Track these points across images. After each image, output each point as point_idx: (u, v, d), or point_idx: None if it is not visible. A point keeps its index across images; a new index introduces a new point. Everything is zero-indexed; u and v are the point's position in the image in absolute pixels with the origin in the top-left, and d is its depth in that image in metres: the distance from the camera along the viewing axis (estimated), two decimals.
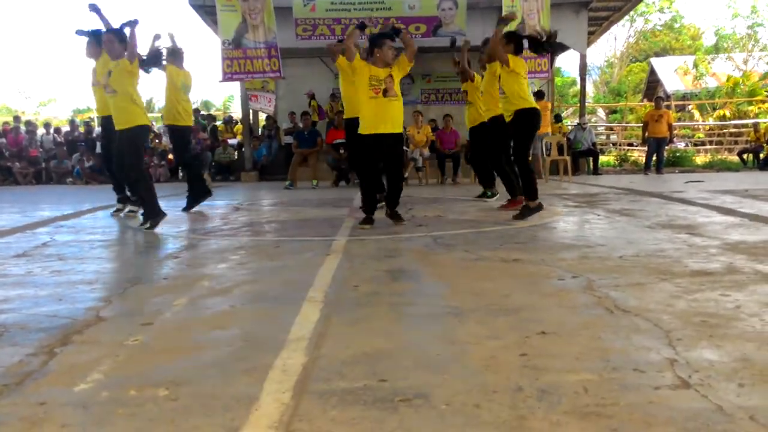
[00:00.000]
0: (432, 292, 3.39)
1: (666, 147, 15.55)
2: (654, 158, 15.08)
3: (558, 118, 17.26)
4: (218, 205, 8.96)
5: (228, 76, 13.49)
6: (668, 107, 27.76)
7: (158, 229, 6.22)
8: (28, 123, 18.94)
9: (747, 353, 2.21)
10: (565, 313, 2.82)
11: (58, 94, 71.60)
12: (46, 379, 2.14)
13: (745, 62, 30.43)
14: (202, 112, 20.36)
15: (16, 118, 19.48)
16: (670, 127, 15.13)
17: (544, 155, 13.51)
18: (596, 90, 37.51)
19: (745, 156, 17.67)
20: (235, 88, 14.90)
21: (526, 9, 13.23)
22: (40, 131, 18.34)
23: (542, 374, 2.06)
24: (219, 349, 2.44)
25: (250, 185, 14.12)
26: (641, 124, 16.77)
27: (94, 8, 6.81)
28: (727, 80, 27.08)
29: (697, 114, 27.11)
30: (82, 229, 6.46)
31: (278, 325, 2.71)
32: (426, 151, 13.55)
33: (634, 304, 2.91)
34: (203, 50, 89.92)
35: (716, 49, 31.96)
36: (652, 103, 16.97)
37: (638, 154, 18.24)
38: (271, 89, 16.18)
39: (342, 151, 13.14)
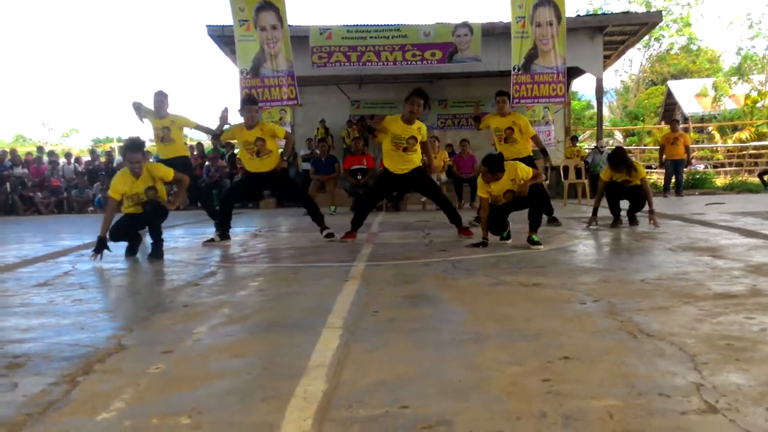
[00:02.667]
0: (452, 317, 3.37)
1: (684, 169, 15.45)
2: (673, 180, 14.98)
3: (574, 140, 17.22)
4: (237, 231, 9.00)
5: None
6: (686, 130, 27.74)
7: (177, 257, 6.25)
8: (50, 153, 19.21)
9: None
10: (587, 338, 2.79)
11: (80, 125, 72.82)
12: (68, 408, 2.14)
13: (762, 84, 30.27)
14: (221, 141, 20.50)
15: (40, 149, 19.79)
16: (687, 149, 15.05)
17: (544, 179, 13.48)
18: (612, 114, 37.48)
19: (765, 177, 17.50)
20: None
21: (538, 34, 13.27)
22: (62, 161, 18.58)
23: (566, 400, 2.04)
24: (239, 376, 2.44)
25: (268, 212, 14.18)
26: (658, 147, 16.68)
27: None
28: (746, 99, 26.91)
29: (717, 135, 26.93)
30: (104, 258, 6.51)
31: (298, 353, 2.70)
32: (443, 176, 13.56)
33: (657, 328, 2.87)
34: (220, 79, 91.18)
35: (739, 70, 31.82)
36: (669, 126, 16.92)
37: (657, 177, 18.13)
38: (287, 121, 16.30)
39: (359, 177, 13.20)
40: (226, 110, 7.77)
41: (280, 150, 7.81)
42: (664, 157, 14.91)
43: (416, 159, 7.14)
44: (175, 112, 8.43)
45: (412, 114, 7.00)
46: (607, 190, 7.75)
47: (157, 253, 6.20)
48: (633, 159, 7.97)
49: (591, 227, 7.64)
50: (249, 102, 7.42)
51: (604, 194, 7.74)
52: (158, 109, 8.31)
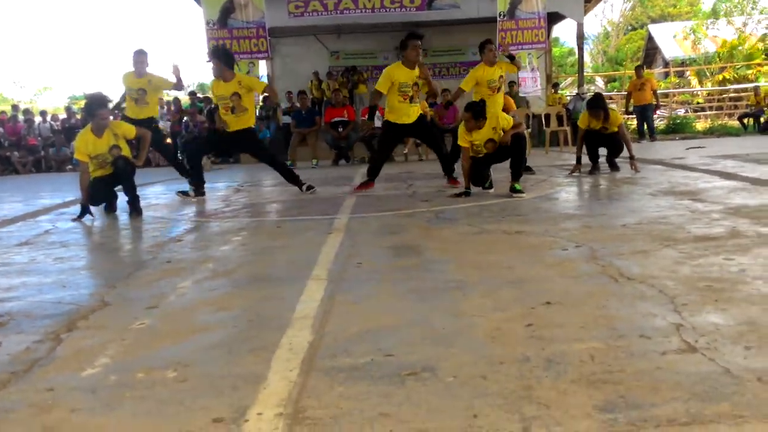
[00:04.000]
0: (435, 266, 3.39)
1: (656, 114, 15.49)
2: (646, 126, 15.02)
3: (556, 87, 17.16)
4: (219, 186, 8.95)
5: None
6: (667, 74, 27.68)
7: (158, 213, 6.22)
8: (25, 111, 18.86)
9: (753, 316, 2.21)
10: (569, 283, 2.82)
11: (54, 83, 71.46)
12: (53, 365, 2.14)
13: (745, 25, 30.18)
14: (199, 95, 20.24)
15: (14, 107, 19.40)
16: (655, 94, 15.06)
17: (542, 127, 13.46)
18: (594, 59, 37.28)
19: (745, 120, 17.57)
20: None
21: None
22: (38, 119, 18.27)
23: (548, 344, 2.06)
24: (225, 329, 2.44)
25: (250, 166, 14.08)
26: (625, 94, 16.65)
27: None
28: (723, 45, 26.85)
29: (695, 80, 26.91)
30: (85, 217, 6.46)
31: (283, 305, 2.71)
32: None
33: (638, 272, 2.90)
34: (196, 32, 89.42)
35: (714, 13, 31.67)
36: (651, 71, 16.85)
37: (633, 123, 18.17)
38: (256, 74, 16.03)
39: (341, 130, 13.08)
40: (176, 68, 7.65)
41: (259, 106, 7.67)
42: (631, 102, 14.92)
43: (418, 108, 7.19)
44: (153, 71, 8.23)
45: (417, 57, 6.96)
46: (585, 138, 7.78)
47: (135, 209, 6.14)
48: (612, 106, 7.94)
49: (574, 175, 7.66)
50: (214, 55, 7.18)
51: (584, 142, 7.75)
52: (137, 69, 8.08)
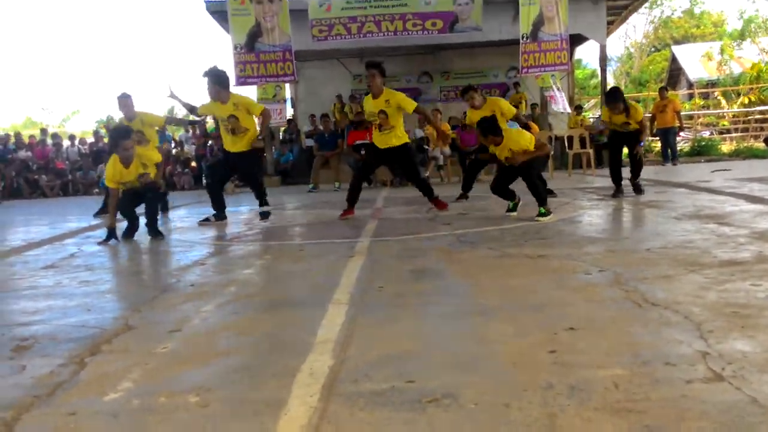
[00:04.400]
0: (457, 290, 3.38)
1: (679, 135, 15.30)
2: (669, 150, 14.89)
3: (579, 109, 17.11)
4: (242, 210, 9.01)
5: (241, 81, 13.49)
6: (691, 95, 27.46)
7: (183, 236, 6.27)
8: (54, 135, 19.17)
9: None
10: (593, 308, 2.79)
11: (82, 106, 72.72)
12: (76, 389, 2.16)
13: None
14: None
15: (43, 131, 19.73)
16: (678, 115, 14.90)
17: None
18: (617, 81, 37.14)
19: None
20: (252, 92, 14.79)
21: (543, 1, 13.11)
22: (66, 143, 18.55)
23: (572, 371, 2.04)
24: (247, 354, 2.45)
25: (272, 190, 14.15)
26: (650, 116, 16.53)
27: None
28: (752, 68, 26.62)
29: (723, 101, 26.68)
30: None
31: (304, 329, 2.71)
32: (447, 149, 13.49)
33: (662, 297, 2.87)
34: (221, 55, 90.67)
35: (742, 33, 31.44)
36: (675, 92, 16.73)
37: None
38: (282, 97, 16.17)
39: (363, 152, 13.12)
40: (169, 90, 7.61)
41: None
42: (655, 125, 14.77)
43: (393, 136, 6.95)
44: (142, 109, 7.99)
45: (371, 87, 7.02)
46: (609, 145, 7.83)
47: (155, 232, 6.19)
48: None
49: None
50: (209, 77, 6.92)
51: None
52: (126, 113, 7.84)
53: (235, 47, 13.24)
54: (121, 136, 6.21)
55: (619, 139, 7.72)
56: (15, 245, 6.25)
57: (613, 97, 7.52)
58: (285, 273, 4.18)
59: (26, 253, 5.70)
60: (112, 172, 6.22)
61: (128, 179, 6.23)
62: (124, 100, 7.86)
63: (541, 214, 5.95)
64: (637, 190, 7.74)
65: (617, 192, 7.67)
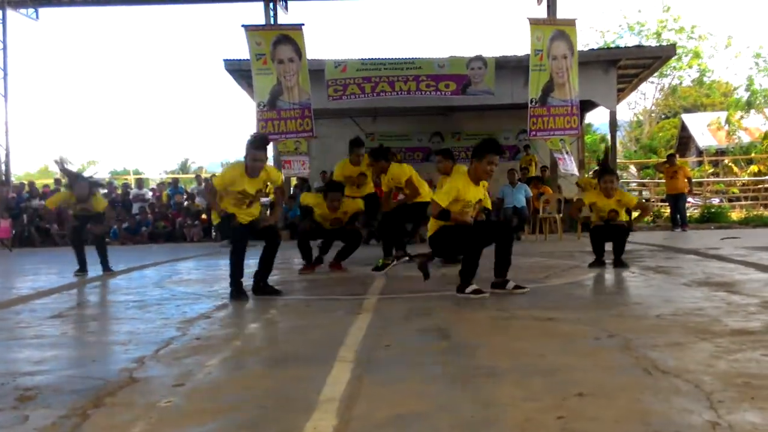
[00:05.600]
0: (465, 351, 3.35)
1: (689, 200, 15.35)
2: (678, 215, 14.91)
3: (596, 173, 17.18)
4: (249, 263, 9.00)
5: None
6: (701, 163, 27.59)
7: (189, 289, 6.27)
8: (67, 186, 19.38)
9: None
10: (602, 374, 2.76)
11: (98, 157, 73.66)
12: None
13: None
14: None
15: (57, 181, 19.95)
16: (689, 181, 14.98)
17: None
18: (626, 147, 37.40)
19: None
20: (268, 149, 14.95)
21: (554, 67, 13.35)
22: None
23: None
24: (251, 410, 2.42)
25: (281, 244, 14.18)
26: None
27: None
28: (764, 137, 26.81)
29: (735, 168, 26.80)
30: (117, 290, 6.55)
31: (309, 386, 2.68)
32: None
33: (673, 365, 2.83)
34: (236, 112, 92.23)
35: (748, 104, 31.76)
36: (685, 159, 16.83)
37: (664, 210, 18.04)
38: (303, 151, 16.39)
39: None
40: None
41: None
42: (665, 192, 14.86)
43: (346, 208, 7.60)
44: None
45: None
46: (592, 231, 7.14)
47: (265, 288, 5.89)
48: (645, 193, 7.72)
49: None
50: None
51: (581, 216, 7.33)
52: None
53: (258, 105, 13.51)
54: (256, 145, 5.64)
55: (604, 234, 6.98)
56: (23, 293, 6.26)
57: (607, 170, 7.06)
58: (291, 328, 4.16)
59: (34, 301, 5.71)
60: (230, 174, 5.74)
61: (247, 189, 5.68)
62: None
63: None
64: (619, 263, 6.93)
65: (597, 262, 7.03)
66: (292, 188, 18.01)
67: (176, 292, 6.13)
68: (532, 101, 13.36)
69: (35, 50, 79.30)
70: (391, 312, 4.61)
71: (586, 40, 33.08)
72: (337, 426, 2.19)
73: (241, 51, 14.95)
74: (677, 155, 18.21)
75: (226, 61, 15.05)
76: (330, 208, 7.49)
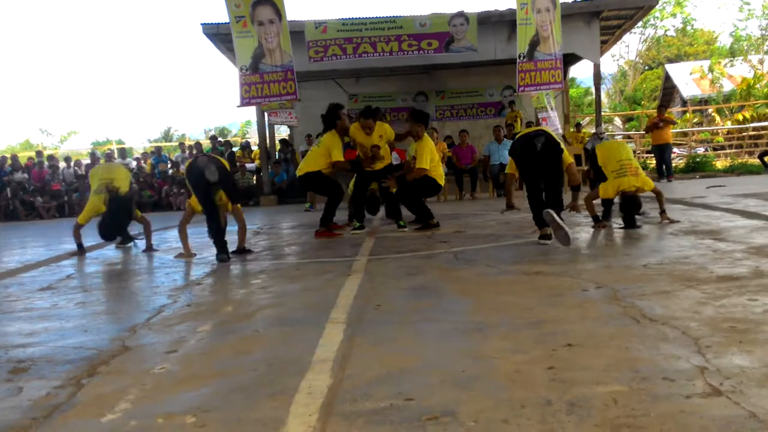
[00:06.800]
0: (455, 308, 3.37)
1: (673, 151, 15.44)
2: (664, 166, 14.97)
3: (579, 127, 17.20)
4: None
5: (246, 101, 13.57)
6: (685, 112, 27.62)
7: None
8: (50, 157, 19.19)
9: None
10: (590, 325, 2.79)
11: (79, 127, 72.87)
12: (73, 411, 2.14)
13: (761, 63, 30.17)
14: (219, 139, 20.52)
15: (38, 153, 19.75)
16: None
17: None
18: (611, 99, 37.36)
19: (766, 158, 17.44)
20: (251, 113, 14.86)
21: (539, 21, 13.20)
22: (62, 165, 18.58)
23: (570, 387, 2.04)
24: (244, 373, 2.44)
25: (269, 209, 14.17)
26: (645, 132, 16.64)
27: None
28: (741, 83, 26.83)
29: (717, 118, 26.85)
30: (106, 261, 6.53)
31: (302, 348, 2.70)
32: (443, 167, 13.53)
33: (660, 313, 2.87)
34: (217, 78, 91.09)
35: (732, 52, 31.72)
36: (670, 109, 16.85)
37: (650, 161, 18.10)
38: (288, 106, 16.32)
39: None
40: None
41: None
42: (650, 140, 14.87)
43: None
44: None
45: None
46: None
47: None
48: (631, 145, 7.53)
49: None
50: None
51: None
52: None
53: (241, 69, 13.33)
54: (363, 114, 7.40)
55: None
56: (11, 267, 6.23)
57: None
58: (282, 292, 4.17)
59: (22, 274, 5.69)
60: (353, 130, 7.44)
61: (365, 142, 7.40)
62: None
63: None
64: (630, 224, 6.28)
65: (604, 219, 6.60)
66: (276, 153, 17.93)
67: (165, 261, 6.12)
68: (520, 56, 13.24)
69: (14, 20, 77.68)
70: (380, 272, 4.63)
71: None
72: (331, 385, 2.21)
73: (219, 15, 14.70)
74: (665, 108, 18.19)
75: (203, 25, 14.80)
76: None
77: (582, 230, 6.46)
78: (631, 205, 6.18)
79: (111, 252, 7.21)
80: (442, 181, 7.64)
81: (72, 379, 2.48)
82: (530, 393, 2.01)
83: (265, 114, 15.92)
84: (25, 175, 17.41)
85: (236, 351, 2.79)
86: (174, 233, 8.97)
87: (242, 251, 6.20)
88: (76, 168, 18.39)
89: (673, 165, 16.13)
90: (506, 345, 2.56)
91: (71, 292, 4.60)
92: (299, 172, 7.66)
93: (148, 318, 3.57)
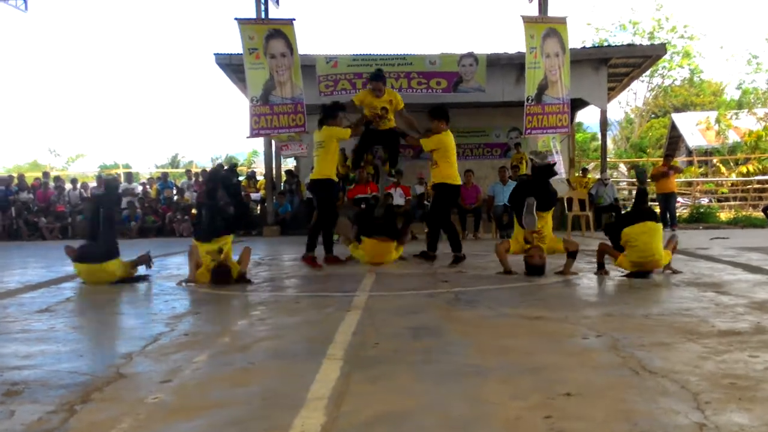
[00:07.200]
0: (454, 349, 3.35)
1: (677, 201, 15.48)
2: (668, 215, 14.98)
3: (585, 172, 17.28)
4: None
5: (255, 132, 13.68)
6: (690, 163, 27.71)
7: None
8: (56, 179, 19.29)
9: None
10: (589, 374, 2.77)
11: (87, 150, 73.29)
12: None
13: (767, 117, 30.34)
14: (226, 167, 20.57)
15: (45, 174, 19.86)
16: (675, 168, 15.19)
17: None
18: (617, 145, 37.55)
19: None
20: (259, 143, 14.96)
21: (548, 65, 13.36)
22: (68, 187, 18.67)
23: None
24: (238, 407, 2.42)
25: (272, 240, 14.17)
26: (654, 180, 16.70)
27: None
28: (749, 135, 26.95)
29: (722, 168, 26.94)
30: (105, 286, 6.51)
31: (298, 383, 2.68)
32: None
33: (660, 365, 2.85)
34: (227, 107, 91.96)
35: (739, 104, 31.94)
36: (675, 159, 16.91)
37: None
38: (297, 139, 16.40)
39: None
40: None
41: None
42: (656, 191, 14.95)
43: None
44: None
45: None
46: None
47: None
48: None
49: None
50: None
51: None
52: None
53: (252, 99, 13.47)
54: (373, 78, 8.27)
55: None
56: (11, 287, 6.22)
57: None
58: (281, 325, 4.15)
59: (21, 295, 5.67)
60: (363, 94, 8.30)
61: (374, 103, 8.08)
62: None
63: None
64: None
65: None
66: (282, 183, 17.98)
67: (165, 288, 6.11)
68: (528, 99, 13.36)
69: (24, 42, 78.69)
70: (381, 309, 4.61)
71: (582, 36, 33.19)
72: (325, 424, 2.19)
73: (232, 45, 14.90)
74: (672, 156, 18.31)
75: (216, 55, 14.99)
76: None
77: (583, 276, 6.43)
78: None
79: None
80: (457, 181, 8.07)
81: (65, 405, 2.46)
82: None
83: (273, 144, 15.99)
84: (31, 195, 17.47)
85: (232, 383, 2.77)
86: (176, 260, 8.97)
87: (242, 279, 6.21)
88: (82, 190, 18.46)
89: (677, 214, 16.14)
90: (505, 390, 2.54)
91: (69, 315, 4.59)
92: (312, 176, 8.17)
93: (144, 345, 3.55)
